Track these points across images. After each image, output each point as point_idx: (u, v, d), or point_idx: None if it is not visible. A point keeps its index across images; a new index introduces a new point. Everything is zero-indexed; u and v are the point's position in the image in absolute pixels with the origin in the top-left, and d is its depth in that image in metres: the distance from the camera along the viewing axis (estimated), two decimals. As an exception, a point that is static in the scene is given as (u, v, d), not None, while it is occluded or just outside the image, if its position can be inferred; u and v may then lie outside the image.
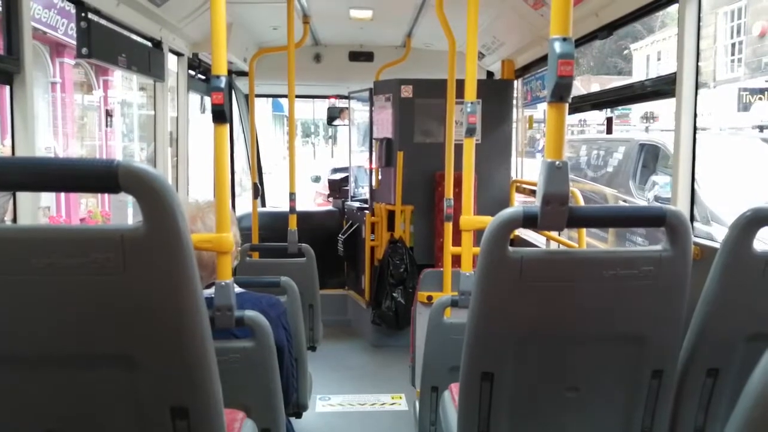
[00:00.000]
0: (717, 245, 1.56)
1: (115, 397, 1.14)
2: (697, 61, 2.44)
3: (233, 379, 1.62)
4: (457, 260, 2.62)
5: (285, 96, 3.79)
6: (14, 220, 2.27)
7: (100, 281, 1.03)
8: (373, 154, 4.91)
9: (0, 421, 1.15)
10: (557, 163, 1.32)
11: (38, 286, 1.04)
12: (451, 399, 1.87)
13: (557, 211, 1.32)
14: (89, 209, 10.73)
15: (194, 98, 4.40)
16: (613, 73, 28.41)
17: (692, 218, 2.46)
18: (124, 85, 12.42)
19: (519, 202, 4.72)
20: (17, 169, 1.02)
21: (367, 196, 5.26)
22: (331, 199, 6.78)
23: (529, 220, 1.33)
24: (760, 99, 14.23)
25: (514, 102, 4.74)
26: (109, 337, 1.08)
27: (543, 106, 4.76)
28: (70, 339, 1.09)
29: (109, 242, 1.02)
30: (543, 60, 4.09)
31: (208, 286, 1.76)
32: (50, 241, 1.03)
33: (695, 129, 2.47)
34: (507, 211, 1.35)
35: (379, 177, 4.82)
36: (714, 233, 5.38)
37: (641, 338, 1.46)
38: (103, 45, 2.65)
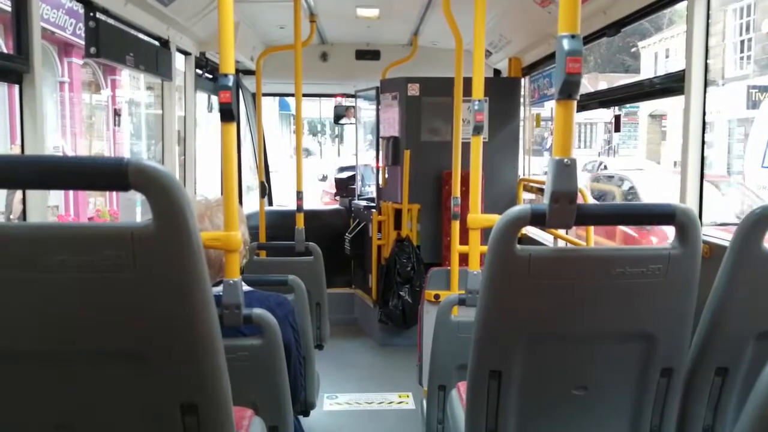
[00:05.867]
0: (726, 243, 1.55)
1: (125, 393, 1.15)
2: (706, 58, 2.43)
3: (242, 377, 1.62)
4: (464, 259, 2.61)
5: (292, 95, 3.79)
6: (24, 218, 2.29)
7: (111, 278, 1.04)
8: (380, 152, 4.91)
9: (12, 415, 1.16)
10: (566, 160, 1.32)
11: (49, 283, 1.04)
12: (458, 397, 1.87)
13: (565, 208, 1.31)
14: (97, 208, 10.78)
15: (201, 97, 4.41)
16: (621, 71, 28.29)
17: (701, 216, 2.45)
18: (131, 85, 12.47)
19: (526, 201, 4.71)
20: (29, 168, 1.03)
21: (374, 194, 5.26)
22: (338, 197, 6.79)
23: (537, 218, 1.33)
24: (770, 96, 14.13)
25: (521, 100, 4.73)
26: (119, 334, 1.09)
27: (550, 104, 4.75)
28: (80, 336, 1.09)
29: (119, 240, 1.02)
30: (550, 58, 4.08)
31: (216, 284, 1.77)
32: (61, 239, 1.03)
33: (704, 126, 2.46)
34: (515, 209, 1.34)
35: (386, 176, 4.82)
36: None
37: (650, 337, 1.45)
38: (111, 44, 2.66)
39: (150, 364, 1.10)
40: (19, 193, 6.22)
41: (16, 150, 7.42)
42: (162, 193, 1.00)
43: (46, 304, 1.06)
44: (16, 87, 2.20)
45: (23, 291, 1.05)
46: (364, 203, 5.35)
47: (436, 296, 3.11)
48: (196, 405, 1.15)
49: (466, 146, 2.62)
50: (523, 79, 4.72)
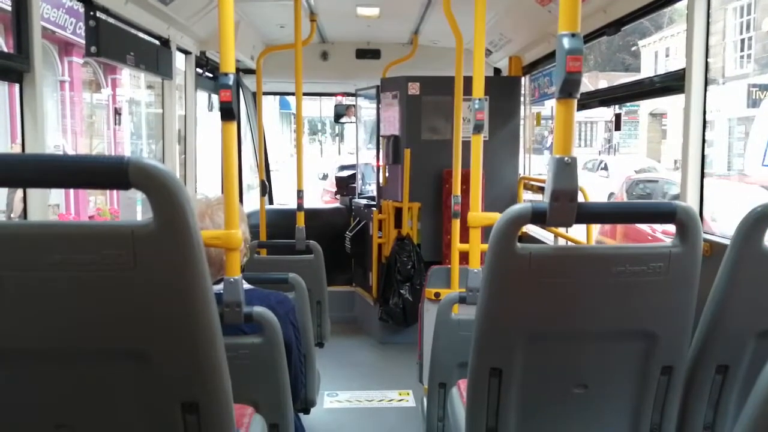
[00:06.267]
0: (727, 241, 1.55)
1: (126, 392, 1.15)
2: (706, 57, 2.43)
3: (242, 375, 1.63)
4: (464, 257, 2.61)
5: (292, 94, 3.79)
6: (25, 217, 2.29)
7: (112, 277, 1.04)
8: (381, 151, 4.92)
9: (12, 415, 1.16)
10: (566, 158, 1.32)
11: (50, 282, 1.04)
12: (459, 395, 1.87)
13: (566, 207, 1.31)
14: (98, 206, 10.79)
15: (202, 96, 4.41)
16: (621, 70, 28.29)
17: (702, 214, 2.45)
18: (132, 84, 12.47)
19: (526, 199, 4.71)
20: (30, 167, 1.03)
21: (375, 193, 5.26)
22: (338, 196, 6.79)
23: (537, 217, 1.33)
24: (770, 95, 14.13)
25: (522, 99, 4.73)
26: (120, 333, 1.09)
27: (550, 103, 4.75)
28: (81, 334, 1.09)
29: (119, 238, 1.03)
30: (550, 56, 4.08)
31: (217, 282, 1.77)
32: (63, 238, 1.03)
33: (704, 125, 2.46)
34: (515, 207, 1.34)
35: (387, 174, 4.82)
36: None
37: (651, 335, 1.45)
38: (111, 43, 2.66)
39: (150, 362, 1.11)
40: (19, 192, 6.23)
41: (16, 149, 7.43)
42: (162, 192, 1.01)
43: (46, 303, 1.06)
44: (17, 86, 2.20)
45: (23, 290, 1.05)
46: (364, 202, 5.35)
47: (437, 294, 3.11)
48: (197, 403, 1.15)
49: (466, 145, 2.62)
50: (523, 78, 4.71)
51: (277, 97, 18.05)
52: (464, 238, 2.59)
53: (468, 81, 2.46)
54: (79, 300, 1.06)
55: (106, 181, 1.04)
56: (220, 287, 1.69)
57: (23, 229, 1.08)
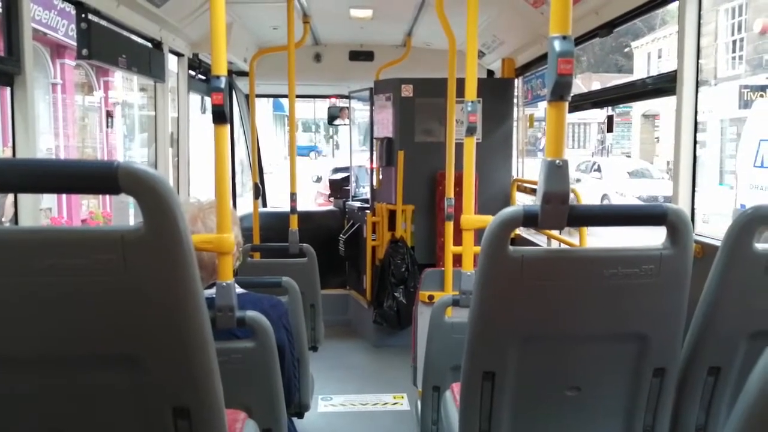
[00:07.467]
0: (718, 243, 1.56)
1: (117, 397, 1.14)
2: (698, 58, 2.44)
3: (235, 380, 1.62)
4: (458, 259, 2.61)
5: (285, 96, 3.79)
6: (16, 221, 2.28)
7: (102, 282, 1.03)
8: (374, 153, 4.91)
9: (4, 420, 1.15)
10: (557, 161, 1.32)
11: (41, 287, 1.04)
12: (452, 398, 1.87)
13: (558, 209, 1.31)
14: (90, 210, 10.74)
15: (195, 99, 4.40)
16: (614, 71, 28.42)
17: (693, 216, 2.46)
18: (124, 86, 12.43)
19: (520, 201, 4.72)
20: (18, 171, 1.03)
21: (368, 195, 5.26)
22: (332, 199, 6.79)
23: (529, 219, 1.33)
24: (762, 96, 14.23)
25: (515, 101, 4.74)
26: (111, 338, 1.09)
27: (544, 105, 4.75)
28: (72, 340, 1.09)
29: (109, 243, 1.02)
30: (543, 58, 4.09)
31: (210, 287, 1.76)
32: (52, 243, 1.03)
33: (696, 126, 2.47)
34: (508, 210, 1.34)
35: (380, 177, 4.82)
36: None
37: (643, 337, 1.45)
38: (103, 46, 2.65)
39: (141, 367, 1.10)
40: (11, 196, 6.19)
41: (8, 153, 7.38)
42: (152, 196, 1.00)
43: (37, 308, 1.06)
44: (8, 89, 2.18)
45: (14, 295, 1.05)
46: (358, 204, 5.35)
47: (430, 297, 3.11)
48: (189, 409, 1.14)
49: (459, 147, 2.62)
50: (516, 80, 4.72)
51: (271, 99, 18.03)
52: (458, 240, 2.59)
53: (461, 83, 2.46)
54: (69, 305, 1.06)
55: (96, 186, 1.04)
56: (212, 291, 1.68)
57: (14, 234, 1.07)
